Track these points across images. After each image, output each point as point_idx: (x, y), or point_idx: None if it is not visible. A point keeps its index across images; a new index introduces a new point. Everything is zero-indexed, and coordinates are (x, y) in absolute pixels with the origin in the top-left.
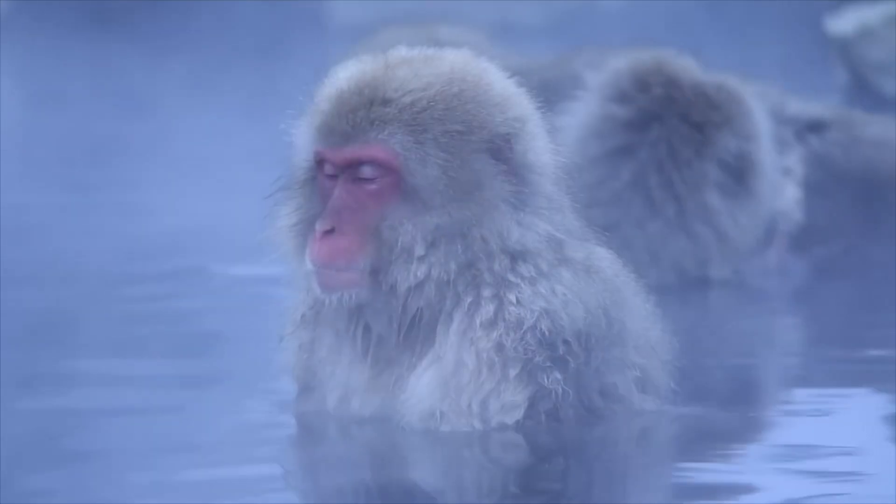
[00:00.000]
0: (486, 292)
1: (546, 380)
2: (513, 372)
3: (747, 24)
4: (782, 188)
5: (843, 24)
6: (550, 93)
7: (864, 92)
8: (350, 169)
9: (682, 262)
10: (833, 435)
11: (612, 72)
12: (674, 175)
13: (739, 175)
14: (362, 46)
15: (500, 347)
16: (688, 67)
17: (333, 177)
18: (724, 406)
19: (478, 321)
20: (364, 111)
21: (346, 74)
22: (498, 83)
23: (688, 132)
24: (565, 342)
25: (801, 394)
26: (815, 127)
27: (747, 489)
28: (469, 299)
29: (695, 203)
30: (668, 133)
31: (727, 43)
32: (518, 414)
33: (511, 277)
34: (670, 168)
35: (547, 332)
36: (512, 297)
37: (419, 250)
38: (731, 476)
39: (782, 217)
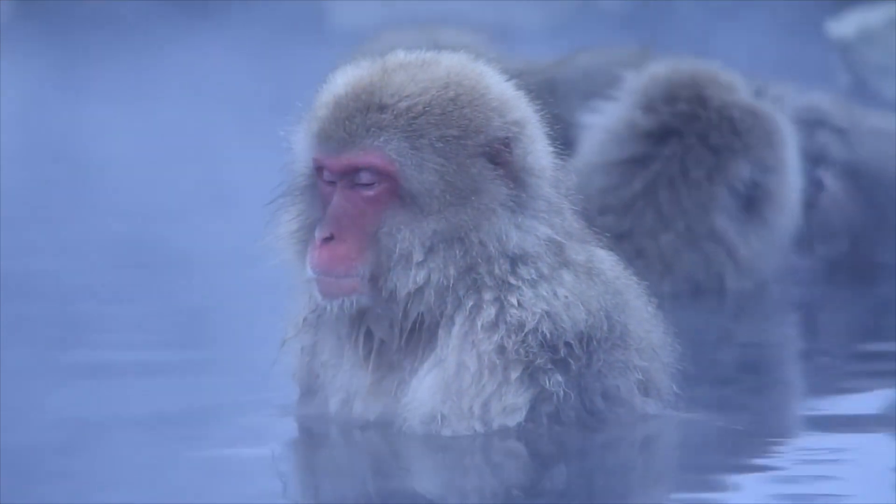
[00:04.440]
0: (488, 295)
1: (548, 382)
2: (514, 374)
3: (748, 26)
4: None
5: (844, 26)
6: (551, 94)
7: (864, 94)
8: (348, 175)
9: (695, 274)
10: (837, 439)
11: (648, 77)
12: (683, 193)
13: (750, 204)
14: (362, 49)
15: (501, 350)
16: (727, 86)
17: (332, 183)
18: (727, 410)
19: (479, 324)
20: (360, 117)
21: (342, 80)
22: (496, 86)
23: (703, 153)
24: (567, 345)
25: (804, 398)
26: (819, 122)
27: (748, 493)
28: (470, 303)
29: (703, 223)
30: (683, 151)
31: (727, 45)
32: (519, 416)
33: (512, 280)
34: (680, 186)
35: (548, 335)
36: (513, 300)
37: (418, 256)
38: (732, 480)
39: None
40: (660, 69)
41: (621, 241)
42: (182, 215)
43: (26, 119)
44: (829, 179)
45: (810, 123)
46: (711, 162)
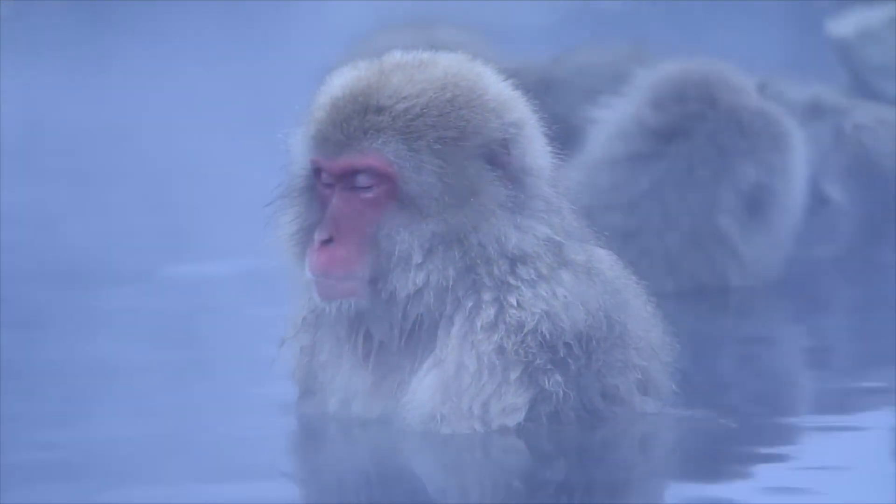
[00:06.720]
0: (487, 296)
1: (547, 382)
2: (514, 374)
3: (747, 26)
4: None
5: (843, 26)
6: (547, 92)
7: (864, 94)
8: (346, 178)
9: (699, 273)
10: (836, 439)
11: (659, 75)
12: (688, 192)
13: (754, 205)
14: (360, 48)
15: (501, 350)
16: (737, 88)
17: (330, 185)
18: (725, 409)
19: (479, 324)
20: (358, 120)
21: (340, 81)
22: (493, 87)
23: (709, 153)
24: (566, 344)
25: (804, 398)
26: (821, 115)
27: (747, 492)
28: (470, 303)
29: (707, 222)
30: (689, 150)
31: (727, 44)
32: (519, 416)
33: (511, 280)
34: (686, 185)
35: (548, 335)
36: (512, 300)
37: (417, 258)
38: (731, 479)
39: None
40: (671, 67)
41: (627, 240)
42: (181, 213)
43: (26, 118)
44: (830, 180)
45: (812, 117)
46: (717, 162)
